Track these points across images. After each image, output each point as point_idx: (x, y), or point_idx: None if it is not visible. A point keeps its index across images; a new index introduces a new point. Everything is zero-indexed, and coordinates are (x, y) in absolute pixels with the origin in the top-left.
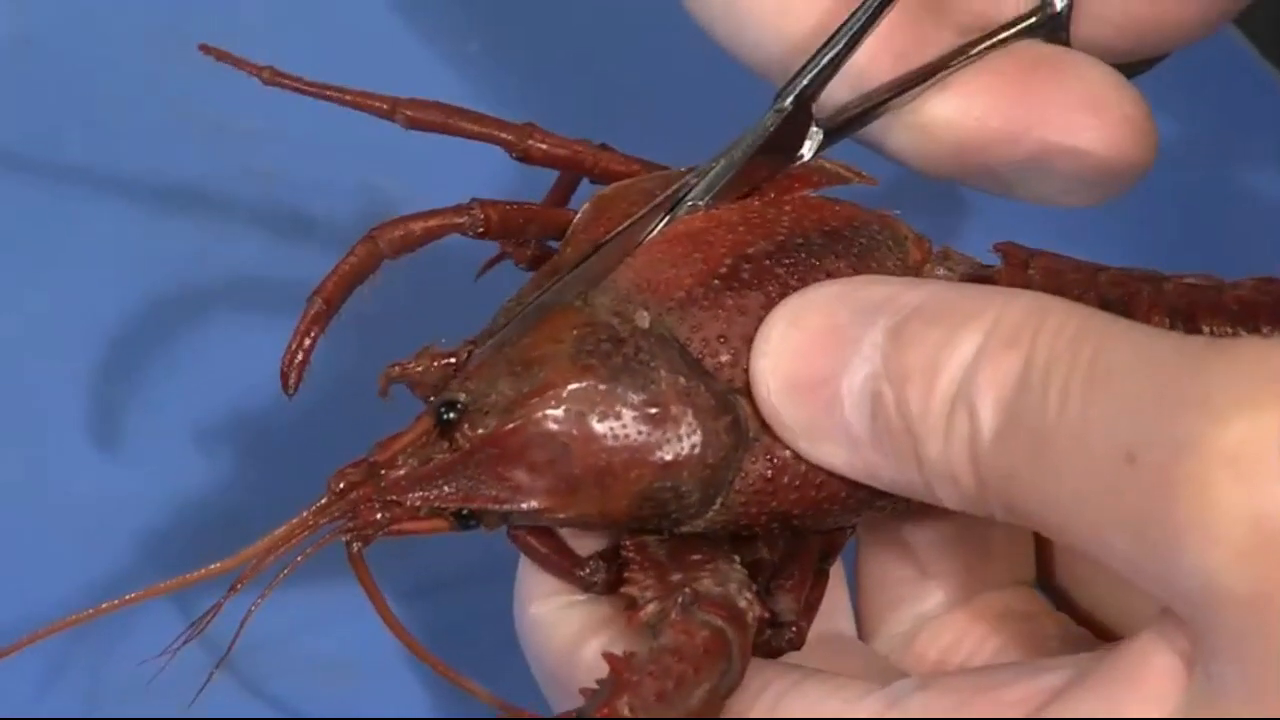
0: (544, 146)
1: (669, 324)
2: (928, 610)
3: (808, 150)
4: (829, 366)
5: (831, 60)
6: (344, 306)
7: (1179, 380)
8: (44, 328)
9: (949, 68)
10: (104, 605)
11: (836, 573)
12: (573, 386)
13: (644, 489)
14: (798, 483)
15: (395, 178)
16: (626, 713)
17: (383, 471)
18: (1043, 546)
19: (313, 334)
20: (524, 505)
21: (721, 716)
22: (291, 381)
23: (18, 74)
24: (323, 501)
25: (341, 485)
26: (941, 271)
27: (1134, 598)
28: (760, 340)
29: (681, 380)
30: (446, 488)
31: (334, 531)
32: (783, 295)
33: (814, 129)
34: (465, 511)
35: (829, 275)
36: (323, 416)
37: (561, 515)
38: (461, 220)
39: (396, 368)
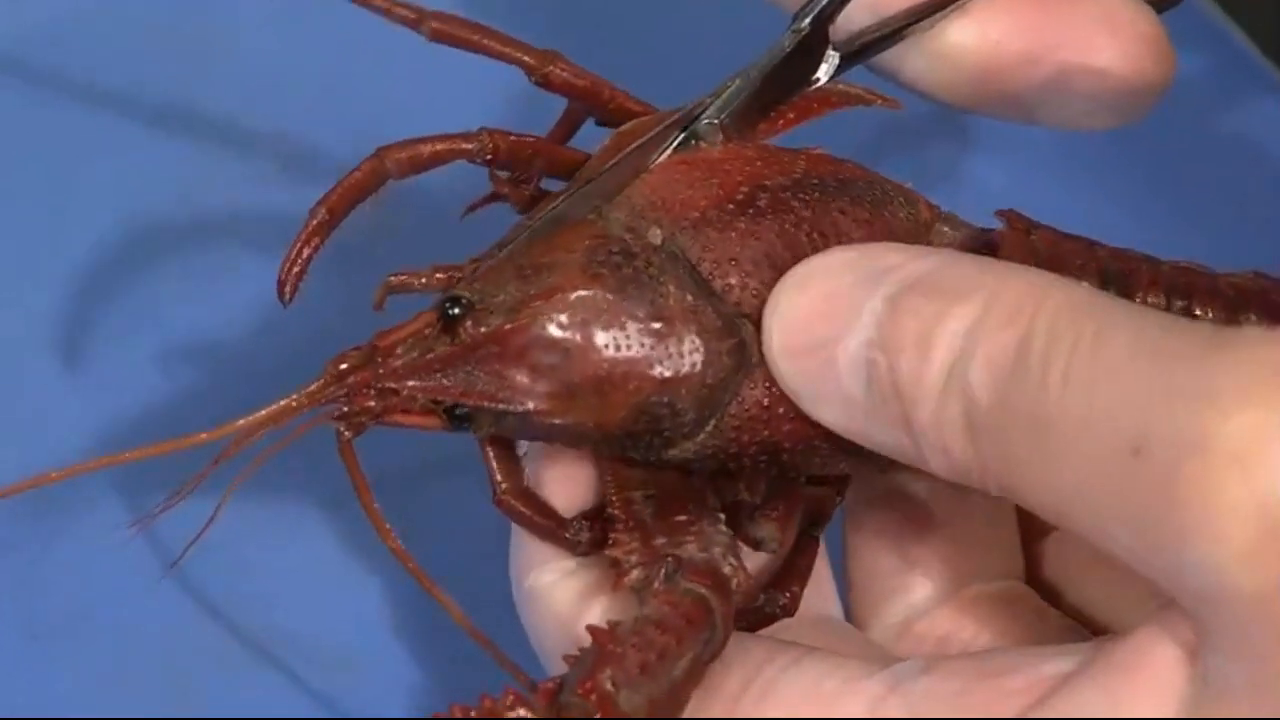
0: (564, 74)
1: (681, 243)
2: (918, 602)
3: (823, 74)
4: (829, 331)
5: None
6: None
7: (1185, 372)
8: (46, 329)
9: None
10: (84, 464)
11: (821, 560)
12: (580, 293)
13: (641, 402)
14: (793, 414)
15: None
16: (609, 686)
17: (381, 359)
18: (1030, 541)
19: (313, 244)
20: (520, 406)
21: (720, 688)
22: (287, 291)
23: (18, 71)
24: (319, 382)
25: (340, 368)
26: (947, 229)
27: (1123, 592)
28: (771, 301)
29: (689, 298)
30: (444, 379)
31: (325, 415)
32: (796, 226)
33: (830, 53)
34: (459, 410)
35: (843, 214)
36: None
37: (556, 421)
38: (469, 146)
39: (397, 277)
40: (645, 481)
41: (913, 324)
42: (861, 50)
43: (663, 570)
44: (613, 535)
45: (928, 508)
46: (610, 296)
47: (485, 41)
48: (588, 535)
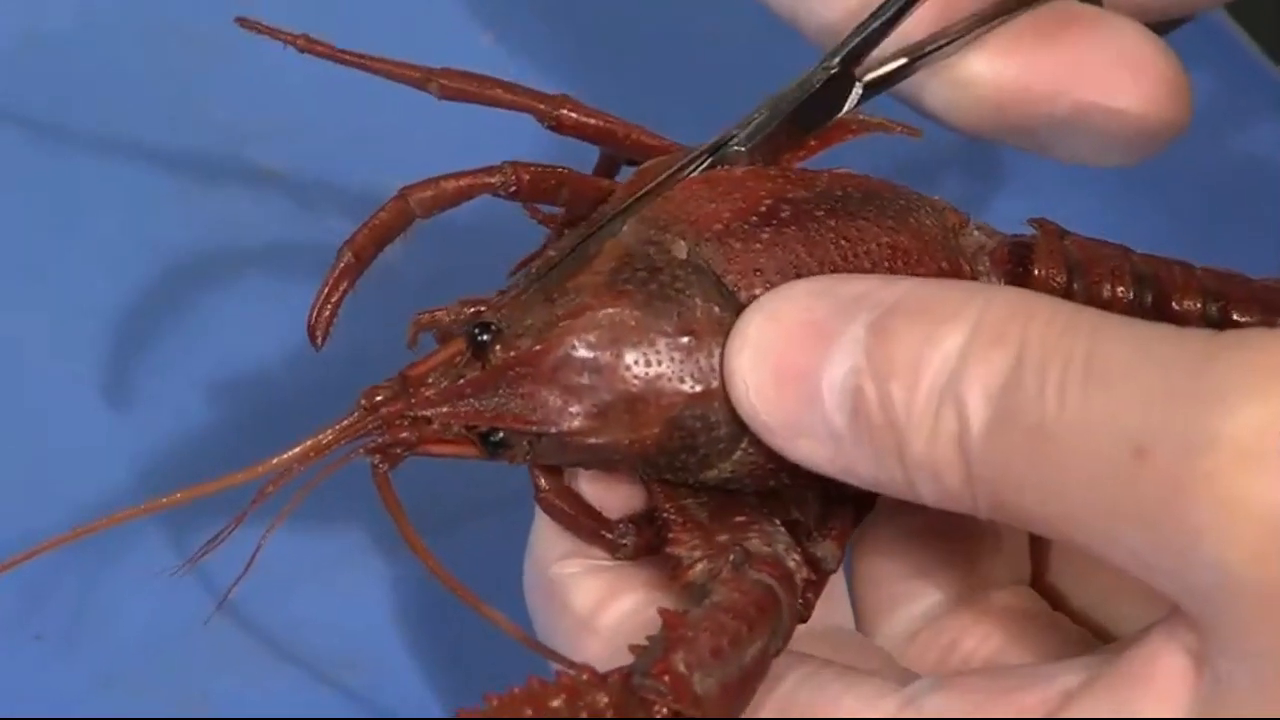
0: (575, 116)
1: (705, 255)
2: (925, 610)
3: (848, 105)
4: (808, 361)
5: (882, 25)
6: (368, 278)
7: (1186, 373)
8: (46, 325)
9: (988, 24)
10: (127, 511)
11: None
12: (608, 310)
13: (675, 417)
14: None
15: (403, 175)
16: (682, 669)
17: (413, 389)
18: (1036, 547)
19: (342, 288)
20: (553, 428)
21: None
22: (319, 336)
23: (22, 71)
24: (353, 416)
25: (373, 400)
26: (977, 233)
27: (1129, 598)
28: (735, 336)
29: (716, 310)
30: (477, 404)
31: (361, 449)
32: (821, 235)
33: (855, 86)
34: (494, 436)
35: (868, 222)
36: (343, 389)
37: (591, 440)
38: (493, 180)
39: (427, 315)
40: (696, 493)
41: (901, 349)
42: (883, 80)
43: (731, 559)
44: (671, 535)
45: (936, 515)
46: (638, 312)
47: (495, 93)
48: (633, 539)
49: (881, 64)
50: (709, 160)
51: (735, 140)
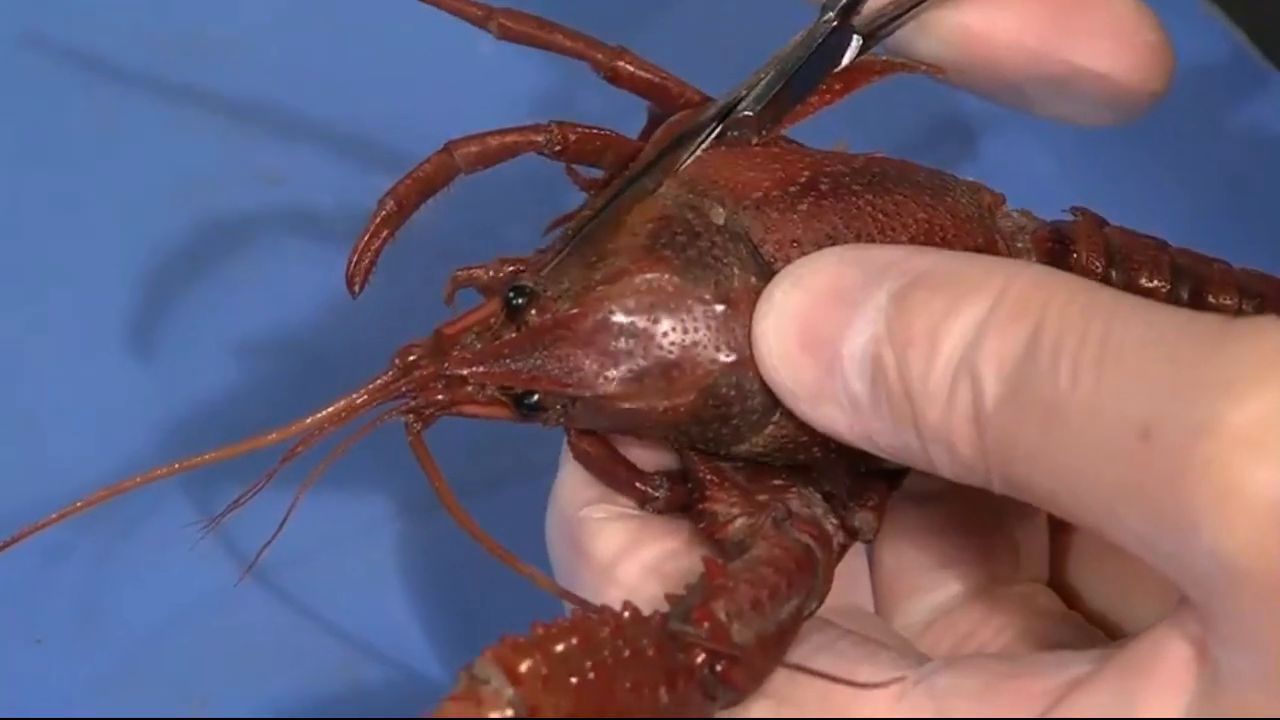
0: (631, 69)
1: (744, 222)
2: (943, 601)
3: (846, 58)
4: (831, 328)
5: None
6: (407, 237)
7: (1196, 358)
8: (45, 330)
9: None
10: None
11: (856, 550)
12: (646, 275)
13: (709, 385)
14: None
15: (395, 173)
16: (722, 617)
17: (448, 348)
18: (1055, 546)
19: (382, 235)
20: (588, 391)
21: None
22: (358, 282)
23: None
24: (387, 375)
25: (407, 360)
26: (1015, 214)
27: (1141, 596)
28: (763, 301)
29: (753, 280)
30: (512, 364)
31: (395, 410)
32: (859, 209)
33: (853, 38)
34: (528, 399)
35: (905, 198)
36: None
37: (625, 405)
38: (539, 138)
39: (464, 272)
40: (730, 460)
41: (922, 319)
42: (880, 30)
43: (772, 516)
44: (708, 493)
45: (959, 508)
46: (675, 278)
47: (553, 37)
48: (666, 491)
49: (877, 16)
50: (719, 126)
51: (743, 103)
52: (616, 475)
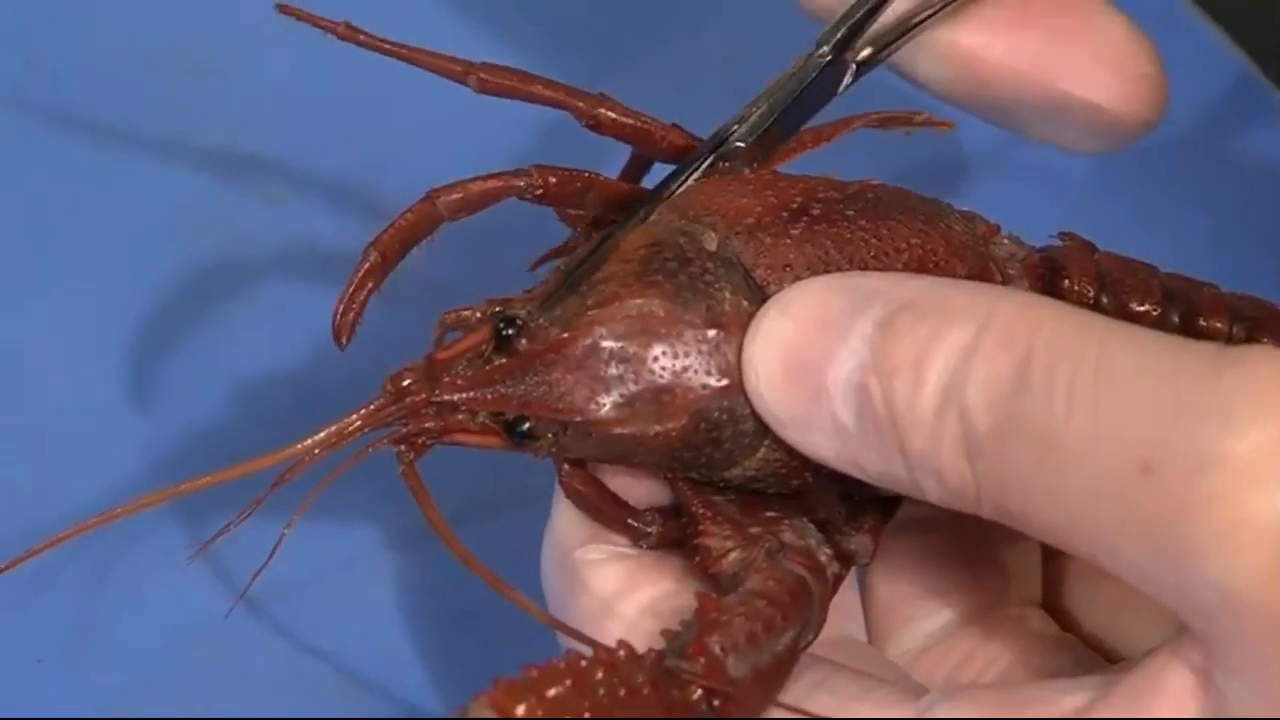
0: (613, 115)
1: (735, 248)
2: (936, 629)
3: (841, 88)
4: (817, 356)
5: (869, 10)
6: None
7: (1195, 388)
8: (49, 336)
9: None
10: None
11: (850, 581)
12: (637, 300)
13: (700, 409)
14: None
15: (388, 204)
16: (718, 651)
17: (439, 375)
18: (1049, 569)
19: (367, 287)
20: (579, 416)
21: None
22: (344, 335)
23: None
24: (380, 400)
25: (399, 385)
26: (1007, 242)
27: (1138, 620)
28: (751, 329)
29: (745, 304)
30: (504, 389)
31: (386, 438)
32: (852, 234)
33: (848, 68)
34: (520, 426)
35: (899, 224)
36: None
37: (617, 431)
38: (520, 183)
39: (453, 314)
40: (722, 491)
41: (906, 346)
42: (874, 58)
43: (765, 548)
44: (701, 528)
45: (951, 535)
46: (666, 304)
47: (533, 89)
48: (659, 527)
49: (870, 43)
50: (711, 157)
51: (736, 135)
52: (608, 513)
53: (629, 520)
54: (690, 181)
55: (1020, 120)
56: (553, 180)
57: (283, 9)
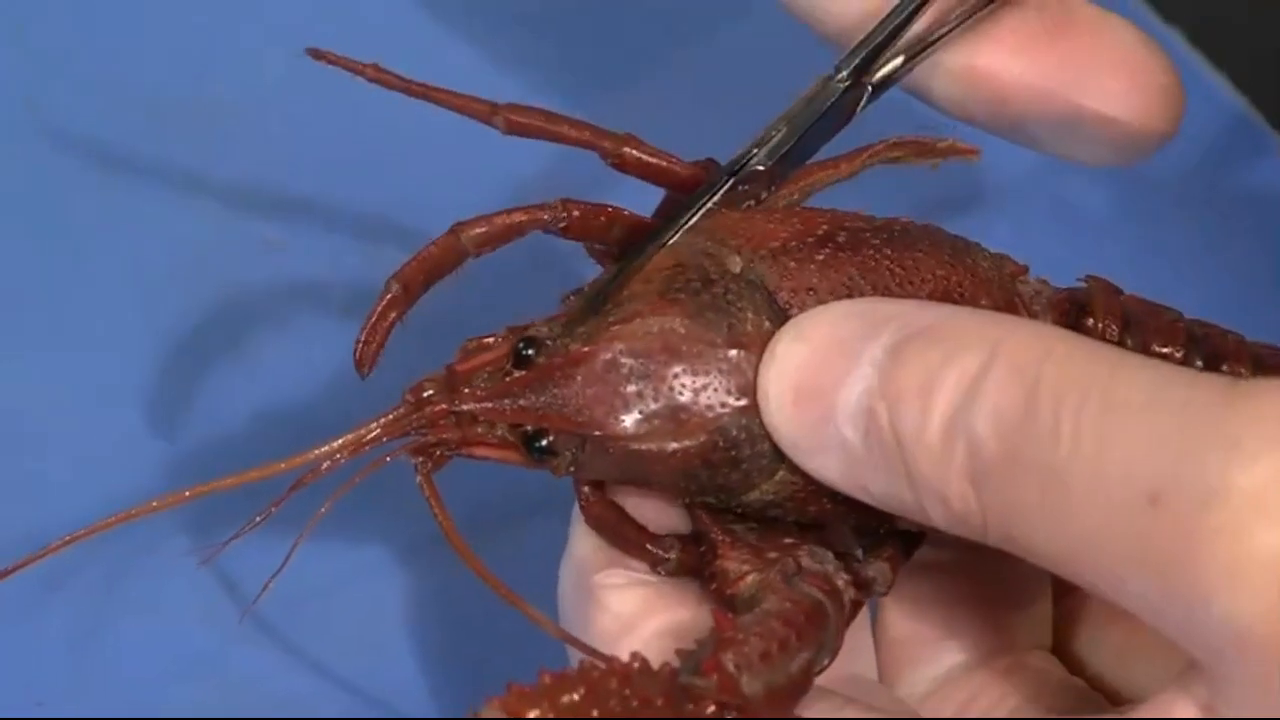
0: (639, 155)
1: (760, 271)
2: (946, 670)
3: (859, 109)
4: (827, 380)
5: (888, 35)
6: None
7: (1204, 421)
8: (45, 394)
9: (980, 12)
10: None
11: (862, 620)
12: (658, 318)
13: (719, 427)
14: None
15: (403, 244)
16: (731, 669)
17: (458, 386)
18: (1058, 611)
19: (389, 318)
20: (599, 430)
21: None
22: (366, 365)
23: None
24: (398, 410)
25: (419, 395)
26: (1034, 282)
27: (1147, 664)
28: (767, 352)
29: (766, 325)
30: (523, 401)
31: (405, 449)
32: (878, 262)
33: (865, 90)
34: (539, 440)
35: (924, 255)
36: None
37: (636, 446)
38: (545, 216)
39: (474, 341)
40: (742, 519)
41: (914, 373)
42: (891, 78)
43: (782, 572)
44: (719, 553)
45: (967, 580)
46: (688, 321)
47: (559, 128)
48: (678, 554)
49: (885, 64)
50: (730, 180)
51: (755, 159)
52: (627, 538)
53: (648, 546)
54: (710, 204)
55: (1036, 137)
56: (576, 214)
57: (313, 53)
